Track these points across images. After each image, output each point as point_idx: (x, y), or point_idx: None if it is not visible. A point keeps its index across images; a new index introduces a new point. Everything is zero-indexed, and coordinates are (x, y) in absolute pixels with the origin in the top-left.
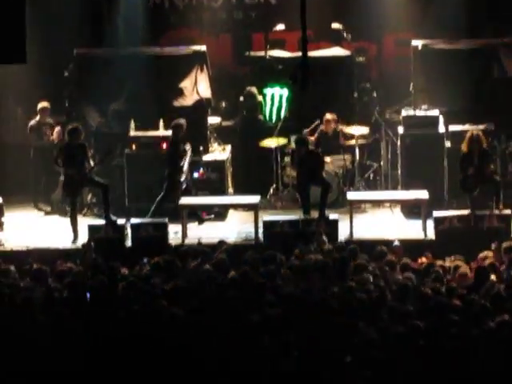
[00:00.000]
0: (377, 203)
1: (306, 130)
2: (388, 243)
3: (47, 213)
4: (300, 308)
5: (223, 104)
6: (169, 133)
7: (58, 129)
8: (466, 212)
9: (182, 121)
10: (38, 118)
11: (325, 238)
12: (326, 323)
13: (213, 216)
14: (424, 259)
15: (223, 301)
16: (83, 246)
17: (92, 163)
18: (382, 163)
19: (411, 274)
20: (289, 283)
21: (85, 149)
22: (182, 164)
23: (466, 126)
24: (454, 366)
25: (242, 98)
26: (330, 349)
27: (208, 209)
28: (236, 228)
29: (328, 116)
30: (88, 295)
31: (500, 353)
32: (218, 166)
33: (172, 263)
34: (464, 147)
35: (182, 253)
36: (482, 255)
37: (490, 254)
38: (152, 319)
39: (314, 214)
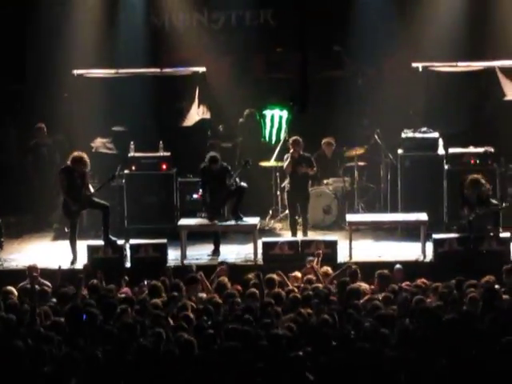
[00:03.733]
0: (376, 225)
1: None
2: (387, 266)
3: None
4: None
5: (220, 127)
6: (168, 154)
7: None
8: (465, 234)
9: None
10: (35, 139)
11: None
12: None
13: None
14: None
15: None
16: (84, 268)
17: (91, 187)
18: (381, 185)
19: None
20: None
21: (84, 172)
22: None
23: (466, 149)
24: None
25: (241, 120)
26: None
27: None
28: (235, 249)
29: (328, 139)
30: (84, 317)
31: None
32: None
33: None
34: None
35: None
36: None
37: (491, 277)
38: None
39: (314, 236)
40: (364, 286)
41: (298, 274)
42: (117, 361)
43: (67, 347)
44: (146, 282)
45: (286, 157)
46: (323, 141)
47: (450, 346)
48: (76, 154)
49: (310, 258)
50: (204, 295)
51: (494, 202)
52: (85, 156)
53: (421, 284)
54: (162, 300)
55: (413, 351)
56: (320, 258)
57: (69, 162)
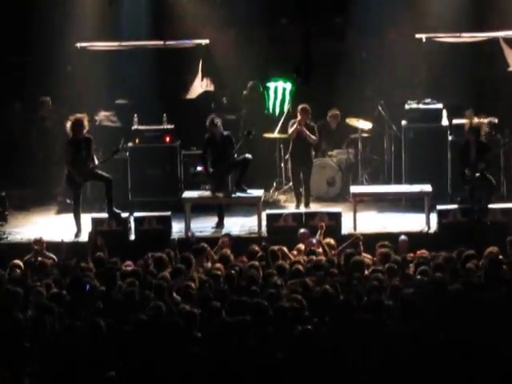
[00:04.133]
0: (380, 197)
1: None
2: (392, 237)
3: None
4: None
5: (224, 100)
6: (172, 126)
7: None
8: (469, 206)
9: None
10: (40, 112)
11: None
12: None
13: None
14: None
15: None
16: (90, 236)
17: (96, 159)
18: (385, 157)
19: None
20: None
21: (90, 143)
22: None
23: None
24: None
25: (245, 92)
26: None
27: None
28: (239, 221)
29: (334, 111)
30: (87, 287)
31: None
32: None
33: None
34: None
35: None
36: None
37: (495, 248)
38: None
39: (317, 208)
40: (367, 257)
41: (301, 246)
42: (118, 332)
43: (69, 318)
44: (149, 255)
45: (291, 123)
46: (329, 113)
47: (455, 318)
48: (73, 118)
49: (302, 231)
50: (209, 265)
51: (490, 177)
52: (82, 118)
53: (423, 255)
54: (168, 271)
55: (416, 322)
56: (323, 230)
57: (69, 130)
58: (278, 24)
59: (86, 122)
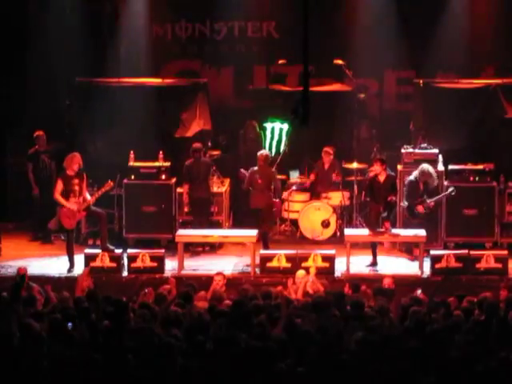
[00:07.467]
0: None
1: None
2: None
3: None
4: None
5: (222, 138)
6: (167, 163)
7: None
8: (463, 251)
9: None
10: (36, 146)
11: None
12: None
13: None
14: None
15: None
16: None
17: (88, 195)
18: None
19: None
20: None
21: (83, 179)
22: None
23: (466, 165)
24: None
25: (242, 131)
26: None
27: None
28: (233, 260)
29: (326, 148)
30: (70, 324)
31: None
32: (216, 198)
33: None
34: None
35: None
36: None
37: (488, 293)
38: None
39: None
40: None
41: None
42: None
43: None
44: (146, 290)
45: None
46: (323, 149)
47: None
48: (70, 155)
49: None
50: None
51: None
52: (77, 154)
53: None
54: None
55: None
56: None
57: (65, 166)
58: (277, 64)
59: (81, 161)
